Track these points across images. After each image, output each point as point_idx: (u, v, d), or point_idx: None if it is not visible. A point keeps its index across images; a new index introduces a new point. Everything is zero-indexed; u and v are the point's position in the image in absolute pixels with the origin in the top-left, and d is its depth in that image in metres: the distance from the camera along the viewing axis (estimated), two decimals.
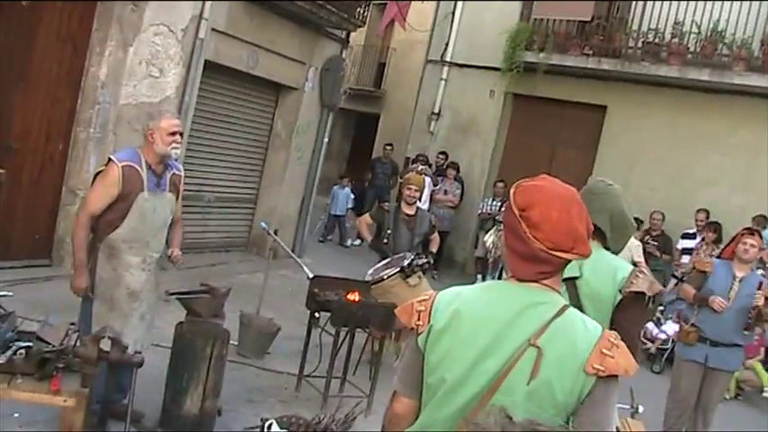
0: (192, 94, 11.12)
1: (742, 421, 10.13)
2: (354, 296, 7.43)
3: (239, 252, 13.81)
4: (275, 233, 9.62)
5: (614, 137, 15.37)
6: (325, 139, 14.97)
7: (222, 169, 13.01)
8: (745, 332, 7.55)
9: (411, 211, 9.26)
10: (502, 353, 2.55)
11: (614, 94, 15.31)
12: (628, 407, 6.34)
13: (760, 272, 11.18)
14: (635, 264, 4.03)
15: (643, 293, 3.76)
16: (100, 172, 5.59)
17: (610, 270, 3.81)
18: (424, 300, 2.72)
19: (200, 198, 12.54)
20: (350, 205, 18.34)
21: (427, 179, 14.99)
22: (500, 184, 15.51)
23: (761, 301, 7.36)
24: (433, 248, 9.46)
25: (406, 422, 2.77)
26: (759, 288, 7.45)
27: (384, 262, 8.63)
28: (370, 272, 8.42)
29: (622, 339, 2.78)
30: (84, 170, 9.79)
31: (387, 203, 10.02)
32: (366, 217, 9.54)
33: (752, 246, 7.48)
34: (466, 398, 2.55)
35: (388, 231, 9.11)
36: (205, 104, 11.95)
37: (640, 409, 6.22)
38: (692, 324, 7.72)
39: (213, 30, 11.25)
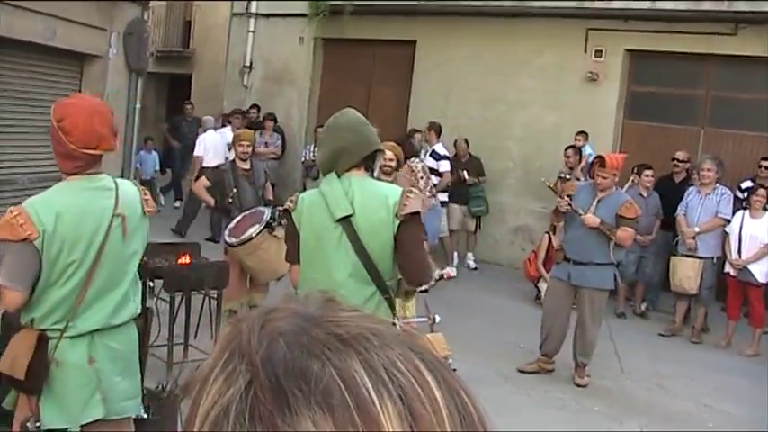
0: None
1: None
2: (185, 259, 7.33)
3: None
4: None
5: (426, 71, 15.55)
6: (138, 105, 14.55)
7: (34, 149, 12.43)
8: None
9: (247, 166, 9.19)
10: (100, 230, 3.76)
11: (422, 29, 15.45)
12: (424, 319, 6.55)
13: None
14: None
15: (418, 213, 4.09)
16: None
17: (381, 198, 4.12)
18: (17, 215, 3.60)
19: (14, 182, 11.98)
20: (157, 168, 17.95)
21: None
22: (320, 130, 15.42)
23: (588, 221, 7.84)
24: (270, 197, 9.44)
25: (20, 309, 3.78)
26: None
27: (236, 220, 8.48)
28: (227, 233, 8.28)
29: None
30: None
31: (222, 164, 9.91)
32: (203, 180, 9.35)
33: (603, 179, 7.98)
34: (87, 267, 3.74)
35: (234, 190, 8.99)
36: (4, 83, 11.40)
37: (437, 318, 6.43)
38: (560, 244, 8.32)
39: (1, 2, 10.71)
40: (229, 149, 14.20)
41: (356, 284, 4.07)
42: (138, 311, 4.17)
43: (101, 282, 3.84)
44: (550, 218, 8.76)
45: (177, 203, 17.22)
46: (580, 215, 7.86)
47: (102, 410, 3.92)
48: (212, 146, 14.75)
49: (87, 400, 3.89)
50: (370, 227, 4.05)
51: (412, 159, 11.57)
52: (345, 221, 4.04)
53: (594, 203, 7.95)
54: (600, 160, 8.16)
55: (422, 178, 11.57)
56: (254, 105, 16.88)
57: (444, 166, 13.15)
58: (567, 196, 8.24)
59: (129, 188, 3.98)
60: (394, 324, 0.82)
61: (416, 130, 13.64)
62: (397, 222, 4.03)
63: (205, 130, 15.39)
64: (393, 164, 8.53)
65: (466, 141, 13.88)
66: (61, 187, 3.84)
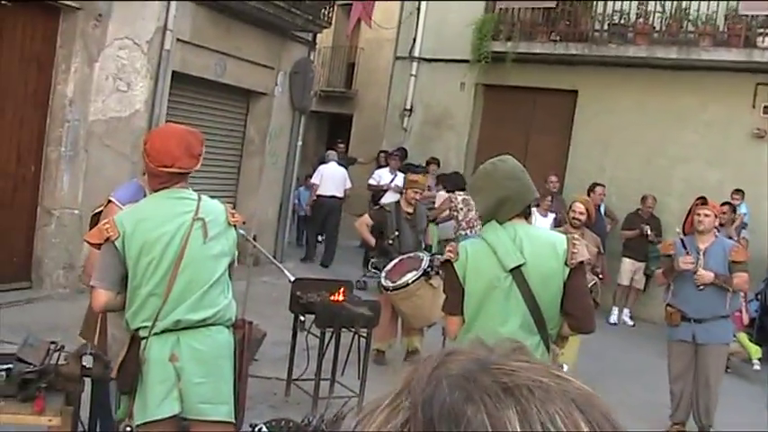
0: (162, 106, 11.08)
1: (733, 394, 10.16)
2: (337, 296, 7.42)
3: None
4: (254, 239, 9.56)
5: (587, 120, 15.39)
6: (299, 143, 14.94)
7: (198, 179, 12.78)
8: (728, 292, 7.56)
9: (411, 210, 9.30)
10: (180, 232, 4.07)
11: (584, 78, 15.32)
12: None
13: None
14: None
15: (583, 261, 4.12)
16: (97, 214, 4.82)
17: (549, 246, 4.11)
18: (107, 223, 4.05)
19: None
20: None
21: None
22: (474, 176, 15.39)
23: (704, 278, 7.41)
24: (429, 241, 9.51)
25: (108, 308, 4.20)
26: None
27: (394, 263, 8.55)
28: (383, 275, 8.36)
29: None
30: (58, 189, 9.74)
31: (387, 204, 10.02)
32: (366, 218, 9.48)
33: (705, 216, 7.57)
34: (166, 265, 4.03)
35: (396, 233, 9.10)
36: (176, 116, 11.82)
37: (565, 367, 6.28)
38: (670, 305, 7.78)
39: (178, 40, 11.22)
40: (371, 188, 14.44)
41: (524, 335, 4.01)
42: (232, 318, 4.31)
43: (185, 280, 4.07)
44: (658, 279, 8.22)
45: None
46: (693, 273, 7.46)
47: (178, 407, 4.06)
48: (330, 177, 15.36)
49: (165, 395, 4.03)
50: (542, 276, 4.01)
51: (457, 192, 12.00)
52: (516, 271, 4.00)
53: (701, 257, 7.53)
54: (702, 199, 7.77)
55: (461, 210, 11.65)
56: (401, 149, 16.94)
57: None
58: (667, 256, 7.89)
59: (212, 201, 4.33)
60: (569, 380, 0.79)
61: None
62: (567, 270, 4.01)
63: (326, 162, 15.90)
64: (583, 218, 8.37)
65: (654, 199, 13.70)
66: (147, 199, 4.33)
